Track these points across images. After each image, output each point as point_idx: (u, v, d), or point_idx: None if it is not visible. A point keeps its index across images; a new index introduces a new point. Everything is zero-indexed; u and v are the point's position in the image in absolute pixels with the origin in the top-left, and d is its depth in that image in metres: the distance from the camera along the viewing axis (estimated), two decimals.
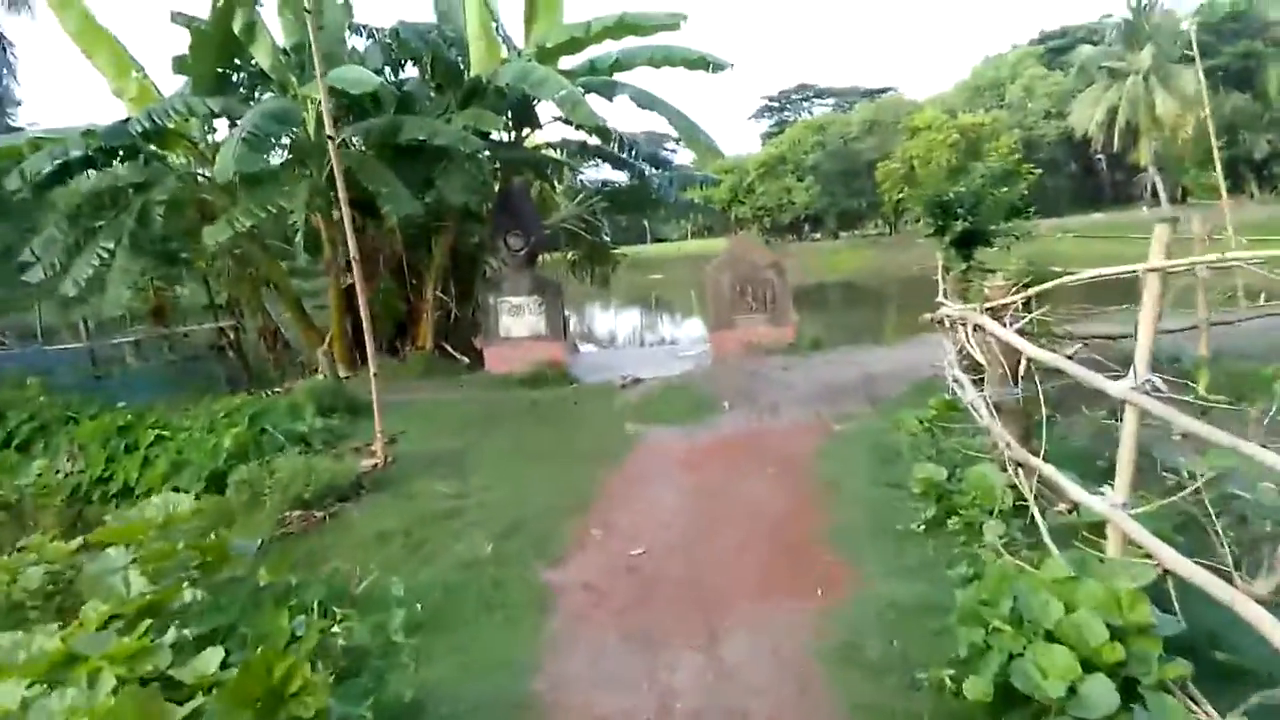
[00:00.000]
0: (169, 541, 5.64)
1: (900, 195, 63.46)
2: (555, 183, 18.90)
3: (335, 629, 5.53)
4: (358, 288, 10.01)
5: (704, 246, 73.89)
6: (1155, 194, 63.60)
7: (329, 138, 9.93)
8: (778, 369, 13.00)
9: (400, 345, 16.39)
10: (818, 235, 69.36)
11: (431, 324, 16.29)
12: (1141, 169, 63.73)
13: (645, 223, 75.73)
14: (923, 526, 6.65)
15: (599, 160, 17.63)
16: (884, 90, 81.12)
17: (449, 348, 16.46)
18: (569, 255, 20.10)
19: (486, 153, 17.14)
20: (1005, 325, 6.70)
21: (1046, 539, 5.40)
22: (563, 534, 7.47)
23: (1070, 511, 5.39)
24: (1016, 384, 7.53)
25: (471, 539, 7.39)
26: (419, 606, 6.04)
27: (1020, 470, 6.29)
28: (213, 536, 6.12)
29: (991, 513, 6.38)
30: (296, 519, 8.76)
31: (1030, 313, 7.00)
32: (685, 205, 19.55)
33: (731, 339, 14.78)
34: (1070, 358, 5.70)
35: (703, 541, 7.05)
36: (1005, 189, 13.27)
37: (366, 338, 10.50)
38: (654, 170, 18.71)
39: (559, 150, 17.32)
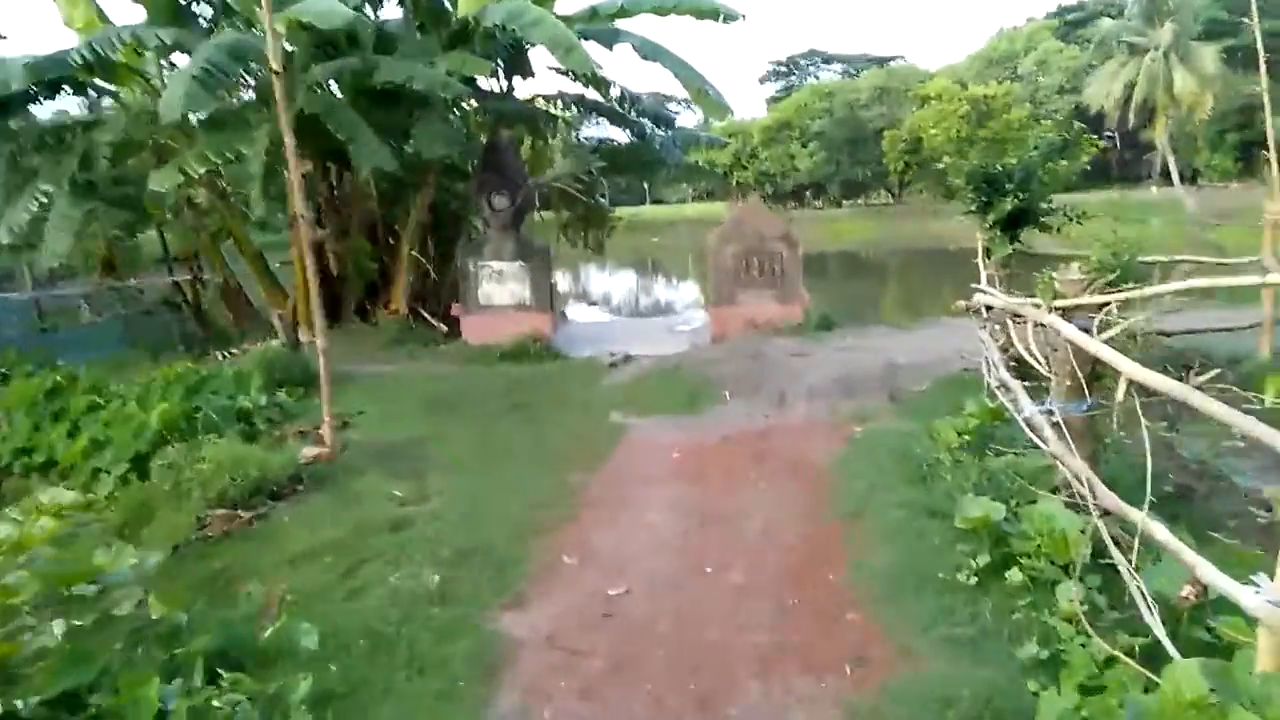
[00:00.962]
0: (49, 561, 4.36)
1: (906, 165, 61.82)
2: (549, 138, 17.32)
3: (217, 702, 4.21)
4: (303, 244, 8.46)
5: (705, 211, 72.06)
6: (1165, 174, 62.01)
7: (274, 73, 8.37)
8: (785, 353, 11.58)
9: (371, 308, 14.92)
10: (820, 203, 67.52)
11: (407, 287, 14.82)
12: (1152, 148, 62.09)
13: (645, 185, 74.12)
14: (974, 577, 5.28)
15: (596, 115, 16.05)
16: (893, 58, 78.84)
17: (425, 313, 15.01)
18: (562, 217, 18.58)
19: (473, 102, 15.59)
20: (1090, 333, 5.29)
21: (1154, 624, 4.03)
22: (528, 559, 6.10)
23: (1196, 598, 4.01)
24: (1085, 397, 6.17)
25: (416, 565, 6.01)
26: (333, 667, 4.68)
27: (1102, 514, 4.91)
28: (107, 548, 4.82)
29: (1065, 569, 5.04)
30: (219, 520, 7.36)
31: (1107, 311, 5.57)
32: (688, 167, 18.00)
33: (734, 316, 13.35)
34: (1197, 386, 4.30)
35: (698, 579, 5.69)
36: (1064, 161, 11.76)
37: (313, 299, 8.99)
38: (656, 129, 17.12)
39: (554, 103, 15.75)
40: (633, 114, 16.40)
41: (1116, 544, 4.83)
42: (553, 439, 8.90)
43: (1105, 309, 5.38)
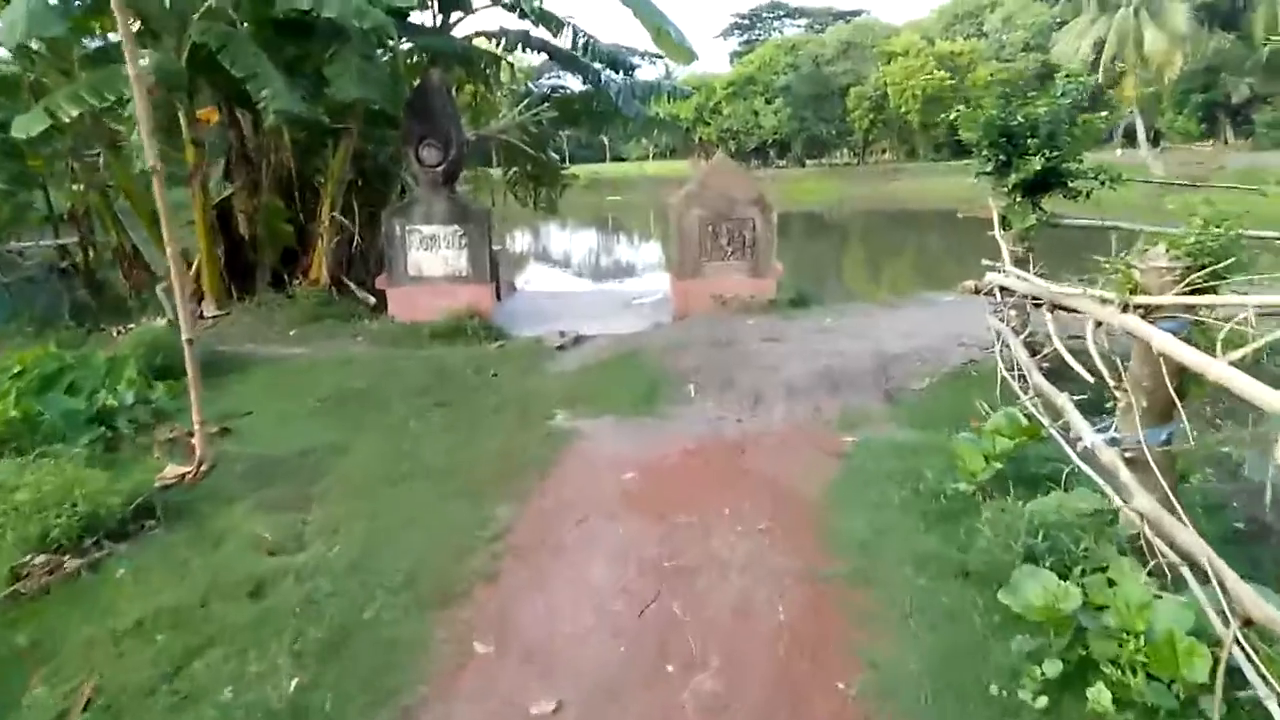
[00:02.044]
0: None
1: (871, 123, 60.16)
2: (491, 85, 15.37)
3: None
4: (156, 189, 6.61)
5: (666, 169, 70.05)
6: (1127, 135, 61.00)
7: None
8: (759, 337, 9.95)
9: (288, 278, 13.02)
10: (783, 162, 65.73)
11: (328, 253, 12.93)
12: (1113, 108, 60.98)
13: (605, 140, 71.75)
14: (1041, 696, 3.74)
15: (545, 57, 14.11)
16: (857, 13, 76.79)
17: (350, 283, 13.14)
18: (509, 173, 16.70)
19: (405, 41, 13.61)
20: (1193, 344, 3.71)
21: None
22: (426, 645, 4.45)
23: None
24: (1170, 420, 4.67)
25: (272, 655, 4.34)
26: None
27: (1231, 609, 3.38)
28: None
29: (1171, 685, 3.52)
30: (38, 570, 5.60)
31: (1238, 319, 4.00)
32: (648, 120, 16.15)
33: (699, 291, 11.68)
34: None
35: (655, 686, 4.08)
36: (1101, 114, 10.14)
37: (204, 266, 7.15)
38: (613, 76, 15.25)
39: (496, 42, 13.79)
40: (586, 58, 14.52)
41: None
42: (480, 450, 7.20)
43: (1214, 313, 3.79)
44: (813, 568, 5.01)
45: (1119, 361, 4.78)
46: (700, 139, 63.26)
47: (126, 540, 5.86)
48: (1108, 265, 4.67)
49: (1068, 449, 5.16)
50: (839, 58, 62.19)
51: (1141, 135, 48.29)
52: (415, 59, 13.70)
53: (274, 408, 8.34)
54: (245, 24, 11.48)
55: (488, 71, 14.37)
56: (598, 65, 14.98)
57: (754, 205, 11.49)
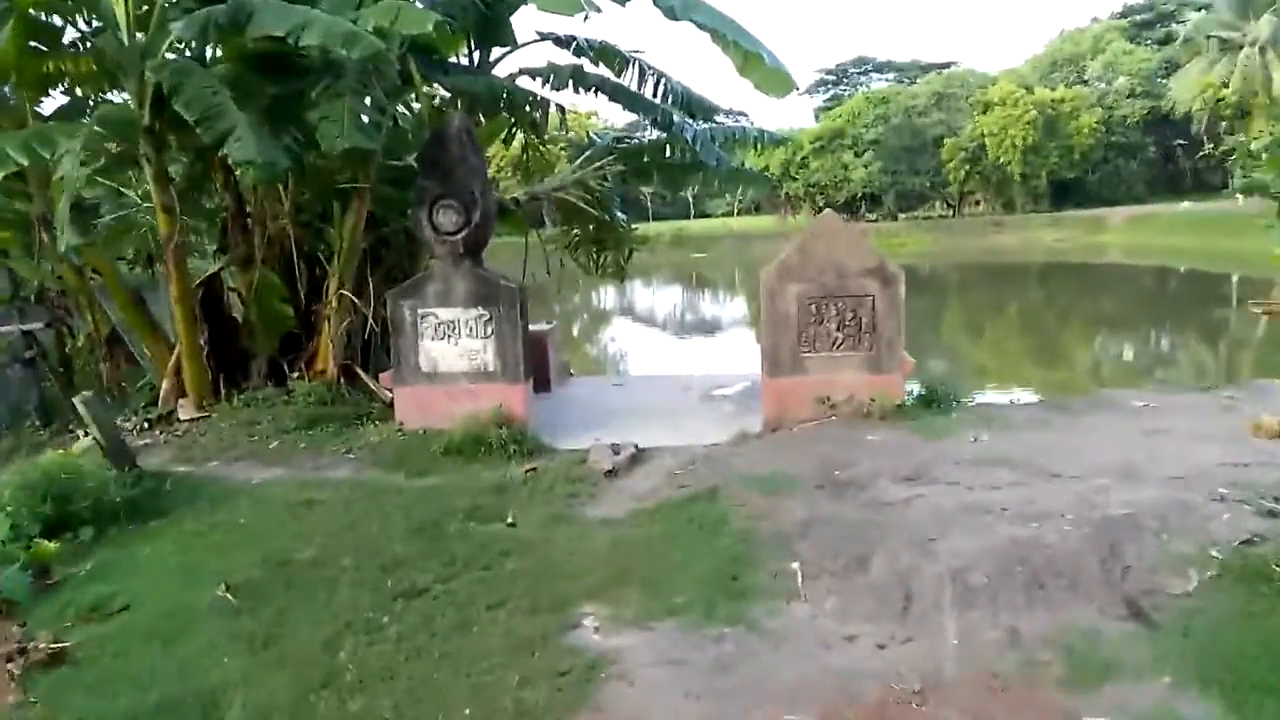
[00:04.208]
0: None
1: (966, 175, 56.26)
2: (541, 133, 12.63)
3: None
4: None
5: (751, 224, 67.07)
6: None
7: None
8: (892, 472, 6.68)
9: (288, 369, 10.33)
10: (873, 216, 61.93)
11: (338, 339, 10.21)
12: (1232, 154, 55.61)
13: (689, 197, 69.32)
14: None
15: (602, 94, 11.28)
16: (947, 65, 73.16)
17: (364, 374, 10.38)
18: (570, 236, 13.86)
19: (440, 87, 10.99)
20: None
21: None
22: None
23: None
24: None
25: None
26: None
27: None
28: None
29: None
30: None
31: None
32: (731, 171, 13.15)
33: (799, 391, 8.50)
34: None
35: None
36: None
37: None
38: (689, 120, 12.35)
39: (543, 80, 11.06)
40: (656, 98, 11.66)
41: None
42: (449, 702, 4.16)
43: None
44: None
45: None
46: (786, 194, 60.16)
47: None
48: None
49: None
50: (931, 109, 58.68)
51: None
52: (444, 103, 11.03)
53: (168, 596, 5.46)
54: (220, 61, 9.00)
55: (535, 116, 11.63)
56: (671, 109, 12.11)
57: (873, 276, 8.31)
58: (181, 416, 9.79)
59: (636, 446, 8.38)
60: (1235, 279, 34.65)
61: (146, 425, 9.89)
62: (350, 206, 10.08)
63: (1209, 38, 44.23)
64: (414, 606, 5.20)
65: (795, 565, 5.42)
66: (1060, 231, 52.88)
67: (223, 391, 10.16)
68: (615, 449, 8.30)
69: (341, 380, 10.29)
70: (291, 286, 10.40)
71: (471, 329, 8.81)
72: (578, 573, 5.61)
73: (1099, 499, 5.72)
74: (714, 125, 12.98)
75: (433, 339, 8.86)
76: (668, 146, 12.84)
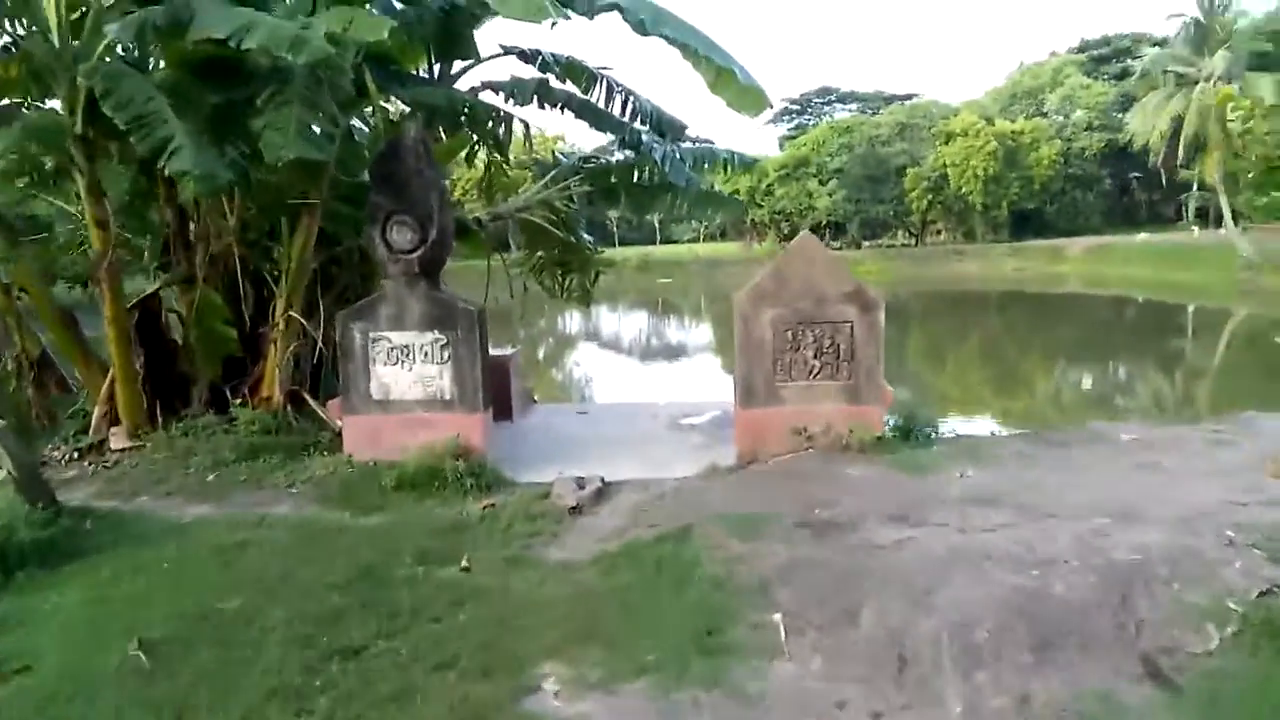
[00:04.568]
0: None
1: (929, 204, 56.69)
2: (505, 152, 12.11)
3: None
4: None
5: (717, 250, 66.93)
6: (1200, 215, 56.43)
7: None
8: (878, 511, 6.20)
9: (231, 395, 9.65)
10: (838, 244, 62.07)
11: (284, 363, 9.56)
12: (1185, 188, 56.61)
13: (656, 221, 69.14)
14: None
15: (568, 110, 10.82)
16: (909, 96, 73.96)
17: (313, 401, 9.73)
18: (533, 258, 13.35)
19: (397, 99, 10.48)
20: None
21: None
22: None
23: None
24: None
25: None
26: None
27: None
28: None
29: None
30: None
31: None
32: (701, 195, 12.75)
33: (774, 422, 8.02)
34: None
35: None
36: None
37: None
38: (657, 139, 11.93)
39: (506, 95, 10.57)
40: (624, 116, 11.23)
41: None
42: None
43: None
44: None
45: None
46: (752, 221, 60.16)
47: None
48: None
49: None
50: (895, 138, 59.17)
51: (1228, 214, 43.86)
52: (401, 117, 10.49)
53: (74, 654, 4.81)
54: (161, 66, 8.41)
55: (499, 132, 11.12)
56: (640, 128, 11.69)
57: (851, 302, 7.88)
58: (113, 446, 9.08)
59: (602, 480, 7.84)
60: (1191, 309, 35.02)
61: (75, 455, 9.17)
62: (300, 224, 9.48)
63: (1165, 72, 44.92)
64: (351, 669, 4.59)
65: (777, 617, 4.90)
66: (1020, 261, 53.33)
67: (159, 419, 9.45)
68: (580, 482, 7.76)
69: (288, 407, 9.63)
70: (236, 308, 9.76)
71: (427, 354, 8.23)
72: (537, 626, 5.05)
73: (1102, 543, 5.28)
74: (683, 146, 12.58)
75: (385, 364, 8.27)
76: (636, 168, 12.41)
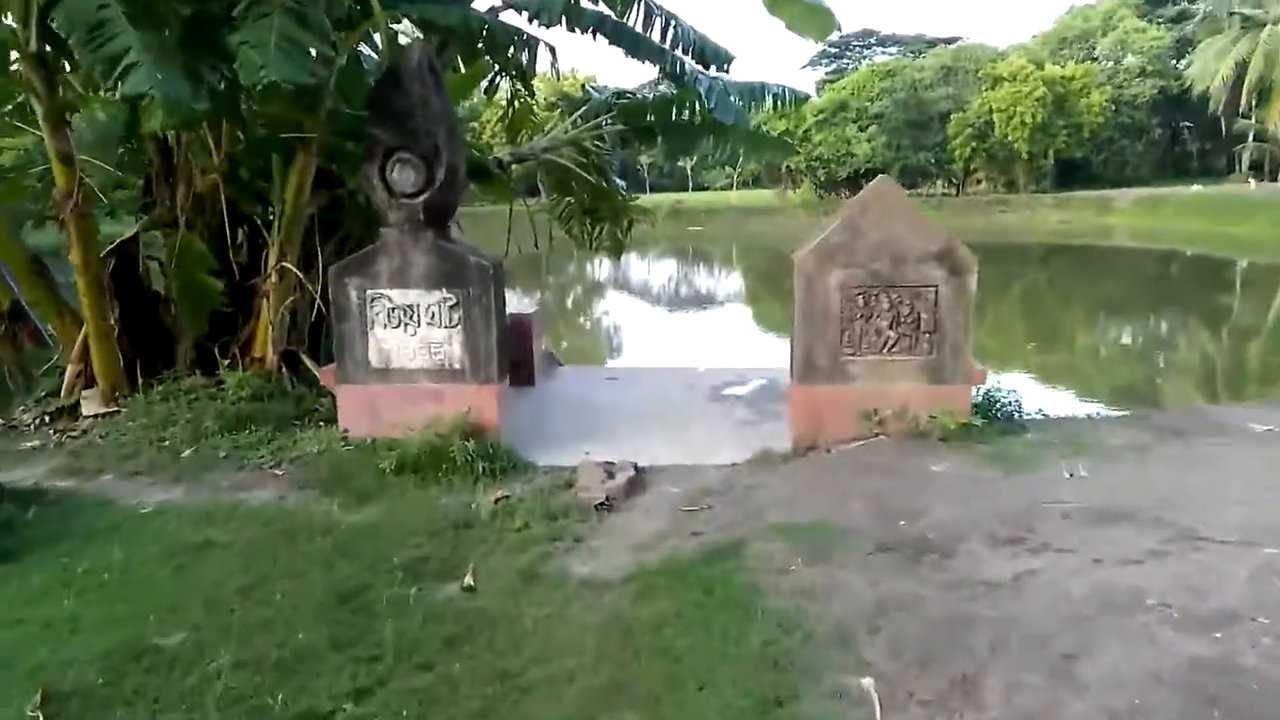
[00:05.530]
0: None
1: (972, 152, 54.33)
2: (529, 81, 10.70)
3: None
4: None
5: (750, 198, 64.94)
6: (1253, 167, 53.57)
7: None
8: (981, 529, 4.95)
9: (220, 355, 8.53)
10: None
11: (278, 320, 8.41)
12: (1240, 139, 53.69)
13: (687, 169, 67.09)
14: None
15: (600, 35, 9.40)
16: (953, 40, 70.72)
17: (310, 362, 8.59)
18: (561, 205, 12.05)
19: (406, 20, 9.12)
20: None
21: None
22: None
23: None
24: None
25: None
26: None
27: None
28: None
29: None
30: None
31: None
32: (750, 136, 11.30)
33: (839, 402, 6.76)
34: None
35: None
36: None
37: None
38: (701, 71, 10.46)
39: (533, 16, 9.15)
40: (664, 43, 9.80)
41: None
42: None
43: None
44: None
45: None
46: (787, 168, 58.06)
47: None
48: None
49: None
50: (939, 83, 56.53)
51: None
52: (413, 41, 9.13)
53: None
54: None
55: (522, 60, 9.73)
56: (682, 56, 10.23)
57: (938, 262, 6.54)
58: (85, 411, 8.01)
59: (635, 467, 6.67)
60: (1253, 266, 32.81)
61: (44, 420, 8.13)
62: (295, 162, 8.23)
63: (1231, 14, 42.15)
64: None
65: (868, 683, 3.70)
66: (1066, 213, 51.05)
67: (139, 381, 8.37)
68: (609, 469, 6.60)
69: (283, 369, 8.51)
70: (223, 256, 8.57)
71: (434, 316, 7.01)
72: (554, 680, 3.89)
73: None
74: (731, 82, 11.10)
75: (385, 327, 7.07)
76: (676, 104, 11.01)
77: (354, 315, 7.06)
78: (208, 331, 8.61)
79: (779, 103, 11.42)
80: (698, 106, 10.77)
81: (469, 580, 4.89)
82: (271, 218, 8.64)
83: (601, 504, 5.99)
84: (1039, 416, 7.63)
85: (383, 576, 4.88)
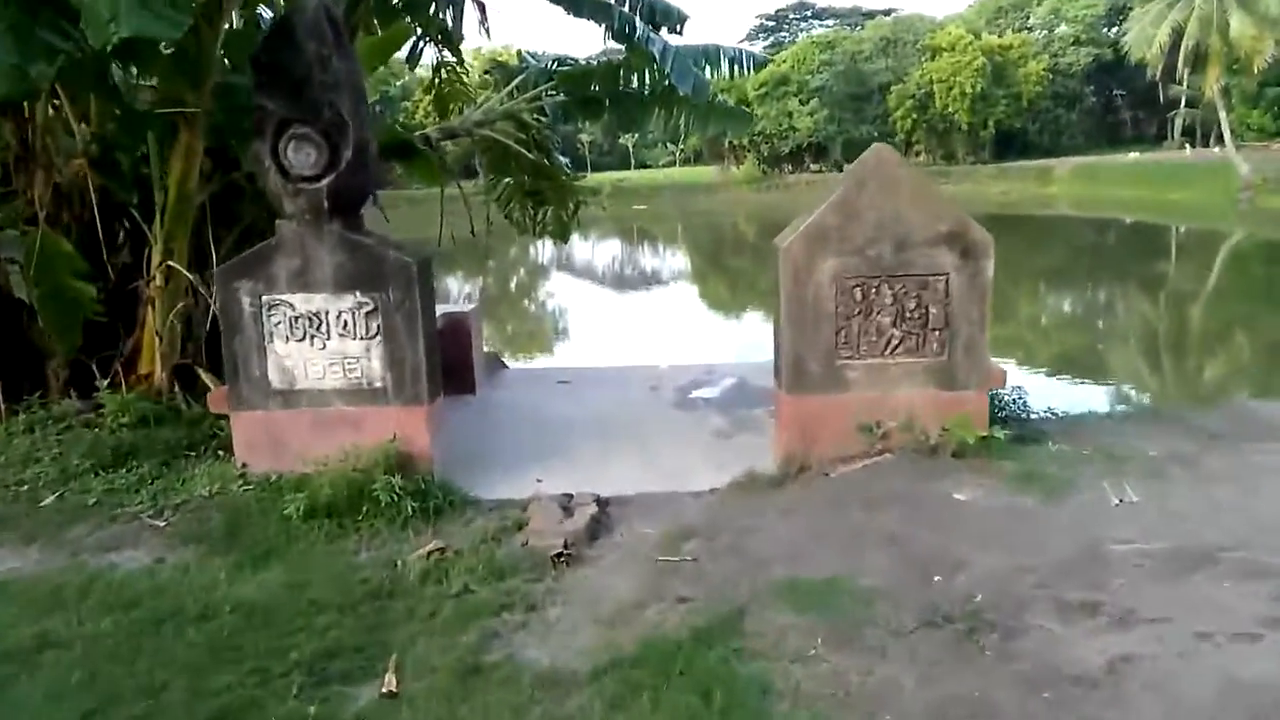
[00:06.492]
0: None
1: (913, 124, 53.90)
2: (456, 46, 9.35)
3: None
4: None
5: (692, 175, 63.71)
6: (1187, 133, 54.05)
7: None
8: (1047, 590, 3.92)
9: (100, 373, 7.15)
10: (818, 167, 59.15)
11: (167, 330, 7.05)
12: (1173, 106, 54.11)
13: (628, 146, 65.67)
14: None
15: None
16: (888, 12, 70.14)
17: (208, 378, 7.24)
18: (499, 187, 10.76)
19: None
20: None
21: None
22: None
23: None
24: None
25: None
26: None
27: None
28: None
29: None
30: None
31: None
32: (709, 108, 10.13)
33: (832, 413, 5.67)
34: None
35: None
36: None
37: None
38: (652, 33, 9.25)
39: None
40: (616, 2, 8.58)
41: None
42: None
43: None
44: None
45: None
46: (730, 143, 57.07)
47: None
48: None
49: None
50: (878, 55, 55.88)
51: (1228, 132, 41.42)
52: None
53: None
54: None
55: (447, 20, 8.42)
56: (632, 15, 9.01)
57: (947, 246, 5.48)
58: None
59: (597, 500, 5.54)
60: (1189, 230, 32.74)
61: None
62: (178, 142, 6.85)
63: None
64: None
65: None
66: (1006, 183, 50.91)
67: (0, 408, 6.95)
68: (566, 504, 5.46)
69: (176, 388, 7.17)
70: (94, 257, 7.15)
71: (346, 325, 5.75)
72: None
73: None
74: (683, 47, 9.91)
75: (287, 340, 5.78)
76: (624, 70, 9.81)
77: (247, 326, 5.75)
78: (82, 346, 7.19)
79: (736, 67, 10.26)
80: (647, 74, 9.60)
81: (390, 682, 3.71)
82: (153, 209, 7.23)
83: (559, 555, 4.84)
84: (1049, 415, 6.69)
85: (275, 683, 3.67)
